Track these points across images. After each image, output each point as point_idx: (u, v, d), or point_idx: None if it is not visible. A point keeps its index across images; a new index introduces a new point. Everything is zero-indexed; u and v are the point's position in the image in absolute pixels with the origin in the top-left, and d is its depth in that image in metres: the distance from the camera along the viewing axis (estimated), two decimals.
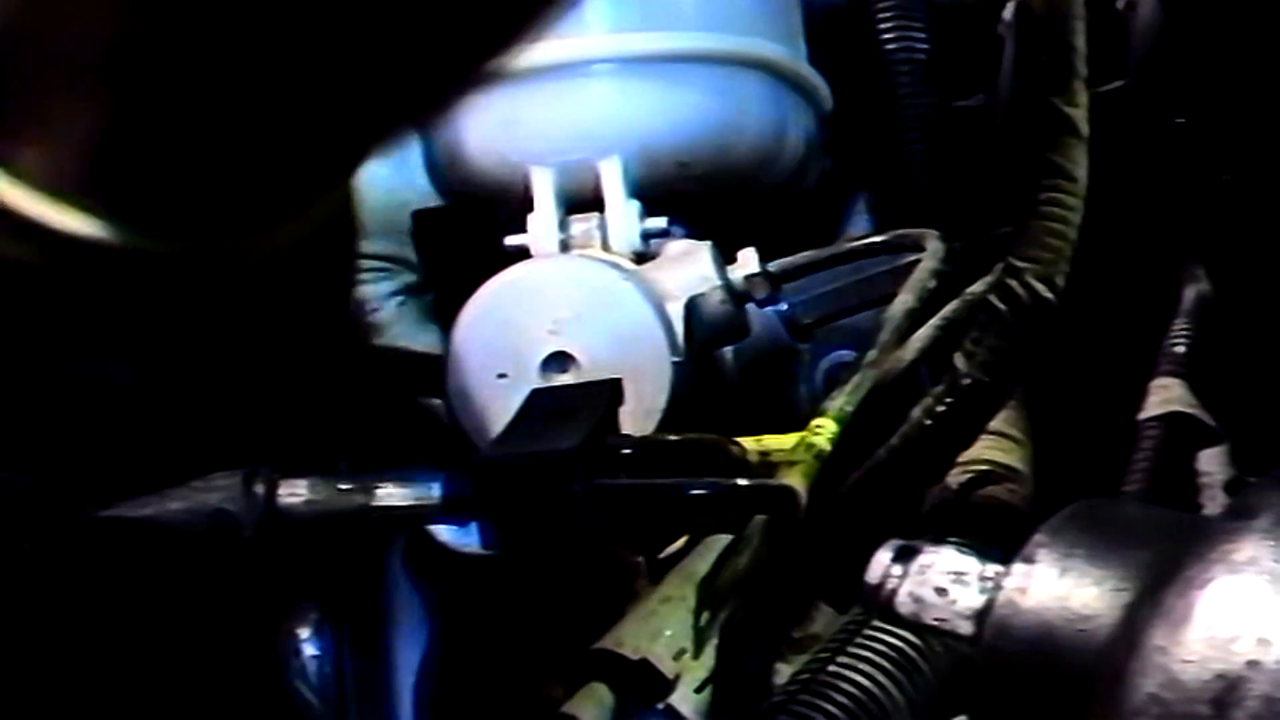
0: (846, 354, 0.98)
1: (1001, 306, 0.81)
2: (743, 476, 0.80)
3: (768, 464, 0.80)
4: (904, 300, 0.90)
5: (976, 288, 0.93)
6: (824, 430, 0.79)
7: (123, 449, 0.69)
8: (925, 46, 1.07)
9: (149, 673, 0.77)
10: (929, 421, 0.79)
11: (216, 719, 0.79)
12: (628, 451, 0.77)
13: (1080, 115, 0.97)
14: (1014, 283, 0.82)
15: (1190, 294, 0.95)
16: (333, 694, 0.81)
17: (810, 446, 0.78)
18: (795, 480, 0.75)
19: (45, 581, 0.73)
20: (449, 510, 0.72)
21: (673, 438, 0.81)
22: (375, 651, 0.85)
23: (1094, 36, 1.01)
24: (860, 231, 1.09)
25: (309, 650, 0.80)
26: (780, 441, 0.82)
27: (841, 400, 0.84)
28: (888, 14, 1.07)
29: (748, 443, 0.82)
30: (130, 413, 0.66)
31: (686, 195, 0.97)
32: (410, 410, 0.98)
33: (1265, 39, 0.95)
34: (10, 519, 0.68)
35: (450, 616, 0.86)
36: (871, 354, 0.87)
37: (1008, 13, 1.05)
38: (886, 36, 1.07)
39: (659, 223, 0.94)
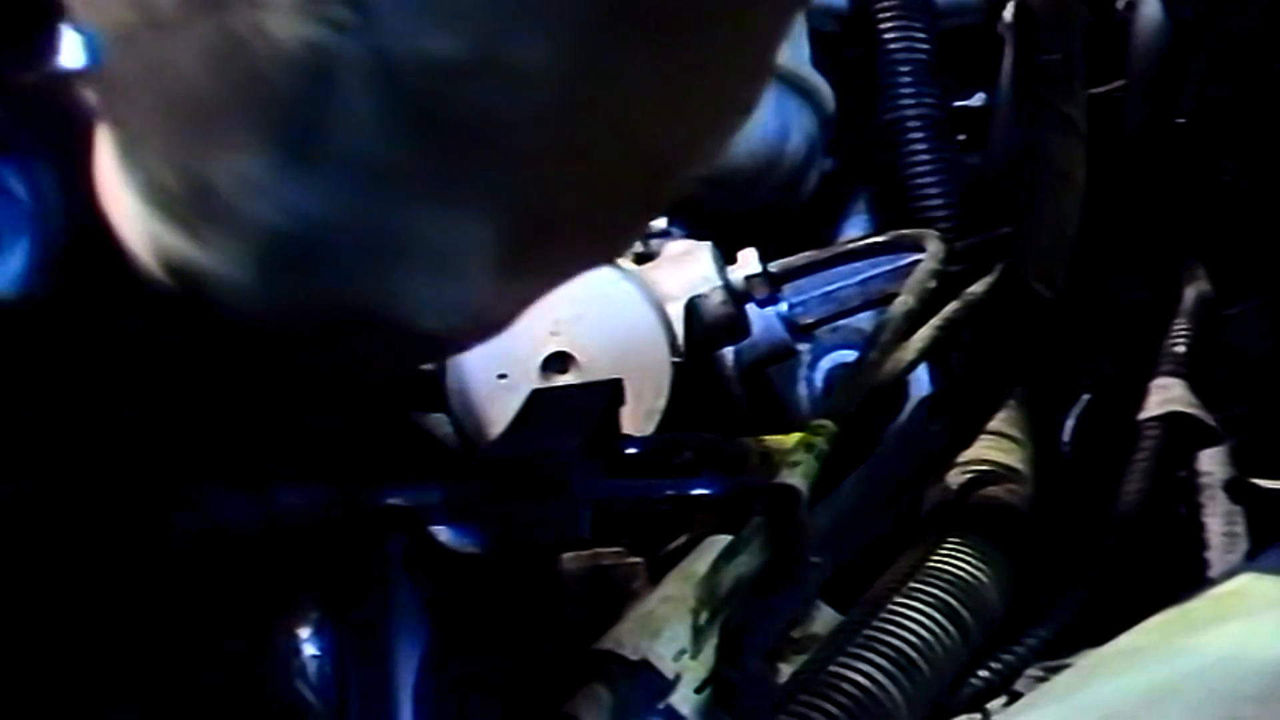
0: (846, 354, 0.98)
1: (1001, 306, 0.81)
2: (743, 476, 0.80)
3: (768, 464, 0.80)
4: (904, 301, 0.90)
5: (976, 288, 0.93)
6: (824, 430, 0.79)
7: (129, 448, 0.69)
8: (926, 46, 1.07)
9: (150, 673, 0.77)
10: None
11: (217, 719, 0.79)
12: (629, 451, 0.77)
13: (1080, 115, 0.97)
14: (1014, 283, 0.82)
15: (1190, 294, 0.95)
16: (333, 694, 0.81)
17: (810, 446, 0.78)
18: (796, 480, 0.75)
19: (47, 582, 0.73)
20: (450, 511, 0.72)
21: (673, 438, 0.81)
22: (375, 651, 0.85)
23: (1094, 36, 1.01)
24: (860, 231, 1.09)
25: (309, 650, 0.80)
26: (780, 441, 0.82)
27: (842, 400, 0.84)
28: (888, 14, 1.07)
29: (748, 443, 0.82)
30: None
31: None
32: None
33: (1266, 39, 0.95)
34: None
35: (450, 616, 0.86)
36: (872, 354, 0.87)
37: (1008, 13, 1.05)
38: (887, 36, 1.07)
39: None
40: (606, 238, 0.57)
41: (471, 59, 0.45)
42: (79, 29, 0.55)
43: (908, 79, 1.06)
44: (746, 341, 0.94)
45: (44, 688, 0.74)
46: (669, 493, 0.74)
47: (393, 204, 0.50)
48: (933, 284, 0.92)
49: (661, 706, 0.70)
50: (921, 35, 1.07)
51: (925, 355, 0.91)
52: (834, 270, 0.98)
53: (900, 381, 0.91)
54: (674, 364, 0.86)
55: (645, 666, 0.70)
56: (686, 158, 0.54)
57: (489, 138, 0.48)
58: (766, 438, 0.83)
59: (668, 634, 0.71)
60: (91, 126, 0.54)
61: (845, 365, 0.96)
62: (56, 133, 0.57)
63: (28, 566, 0.71)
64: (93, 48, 0.55)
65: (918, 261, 0.94)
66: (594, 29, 0.46)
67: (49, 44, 0.72)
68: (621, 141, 0.50)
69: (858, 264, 0.98)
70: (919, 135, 1.05)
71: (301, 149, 0.48)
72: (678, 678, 0.71)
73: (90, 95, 0.54)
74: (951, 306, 0.92)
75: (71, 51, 0.55)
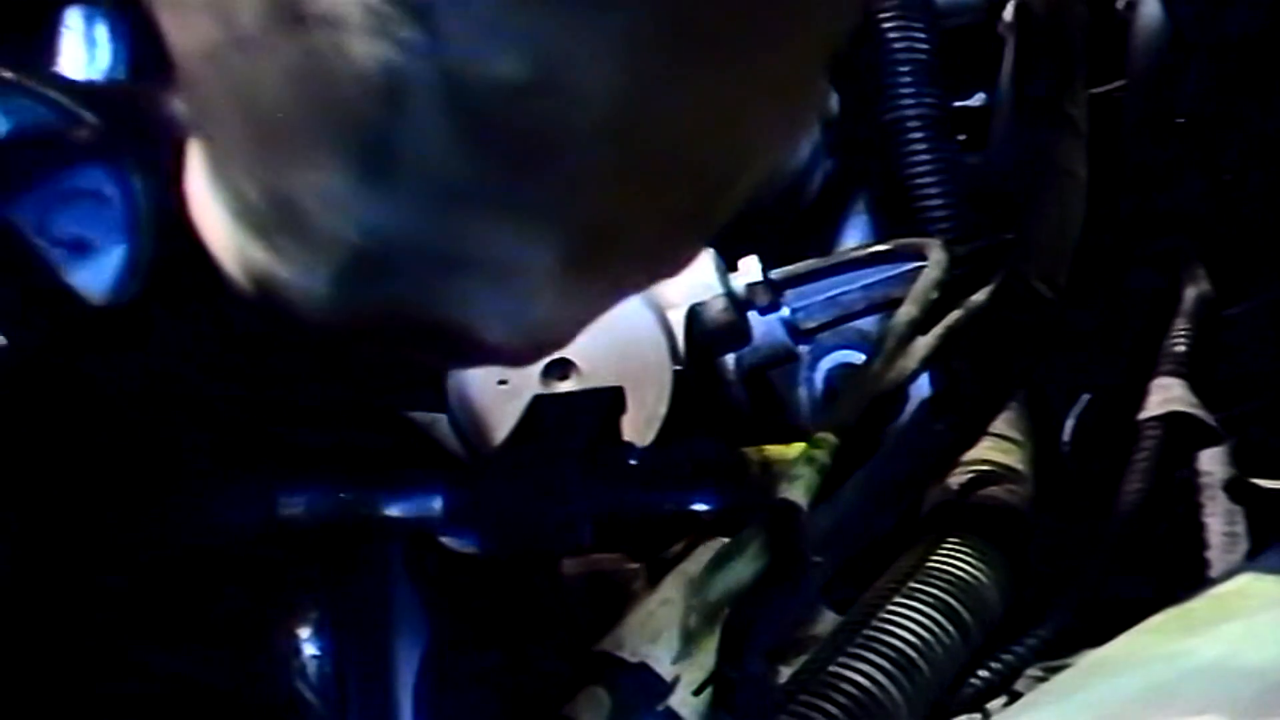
0: (846, 354, 0.98)
1: (1003, 306, 0.81)
2: (744, 487, 0.80)
3: (769, 474, 0.80)
4: (907, 310, 0.89)
5: (979, 297, 0.93)
6: (826, 444, 0.79)
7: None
8: (926, 46, 1.07)
9: (150, 673, 0.77)
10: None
11: (218, 719, 0.79)
12: (630, 461, 0.77)
13: (1081, 115, 0.97)
14: (1016, 282, 0.82)
15: (1190, 294, 0.95)
16: (333, 694, 0.81)
17: (812, 460, 0.77)
18: (797, 495, 0.75)
19: (46, 584, 0.73)
20: (451, 521, 0.72)
21: (674, 449, 0.81)
22: (375, 651, 0.85)
23: (1094, 36, 1.01)
24: (861, 232, 1.09)
25: (309, 650, 0.80)
26: (782, 451, 0.82)
27: (844, 412, 0.84)
28: (888, 14, 1.06)
29: (749, 452, 0.82)
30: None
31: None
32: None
33: (1266, 38, 0.95)
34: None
35: (450, 617, 0.86)
36: (874, 364, 0.86)
37: (1008, 13, 1.05)
38: (887, 36, 1.06)
39: None
40: (663, 255, 0.59)
41: (531, 79, 0.46)
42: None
43: (908, 79, 1.05)
44: (748, 349, 0.94)
45: (43, 688, 0.74)
46: (669, 506, 0.74)
47: (459, 219, 0.51)
48: (935, 294, 0.92)
49: (661, 708, 0.71)
50: (921, 35, 1.06)
51: (928, 364, 0.91)
52: (836, 277, 0.97)
53: (902, 391, 0.91)
54: (675, 371, 0.86)
55: (644, 669, 0.70)
56: (741, 177, 0.55)
57: (548, 156, 0.49)
58: (767, 447, 0.83)
59: (667, 636, 0.71)
60: (183, 138, 0.55)
61: (845, 365, 0.96)
62: (150, 142, 0.58)
63: (27, 566, 0.71)
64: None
65: (921, 266, 0.94)
66: (651, 51, 0.47)
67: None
68: (677, 160, 0.51)
69: (860, 271, 0.98)
70: (919, 135, 1.05)
71: (375, 166, 0.49)
72: (677, 680, 0.71)
73: (182, 108, 0.55)
74: (954, 315, 0.92)
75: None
